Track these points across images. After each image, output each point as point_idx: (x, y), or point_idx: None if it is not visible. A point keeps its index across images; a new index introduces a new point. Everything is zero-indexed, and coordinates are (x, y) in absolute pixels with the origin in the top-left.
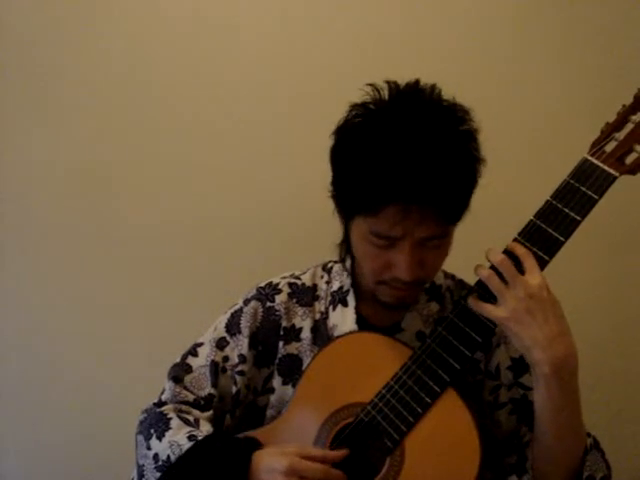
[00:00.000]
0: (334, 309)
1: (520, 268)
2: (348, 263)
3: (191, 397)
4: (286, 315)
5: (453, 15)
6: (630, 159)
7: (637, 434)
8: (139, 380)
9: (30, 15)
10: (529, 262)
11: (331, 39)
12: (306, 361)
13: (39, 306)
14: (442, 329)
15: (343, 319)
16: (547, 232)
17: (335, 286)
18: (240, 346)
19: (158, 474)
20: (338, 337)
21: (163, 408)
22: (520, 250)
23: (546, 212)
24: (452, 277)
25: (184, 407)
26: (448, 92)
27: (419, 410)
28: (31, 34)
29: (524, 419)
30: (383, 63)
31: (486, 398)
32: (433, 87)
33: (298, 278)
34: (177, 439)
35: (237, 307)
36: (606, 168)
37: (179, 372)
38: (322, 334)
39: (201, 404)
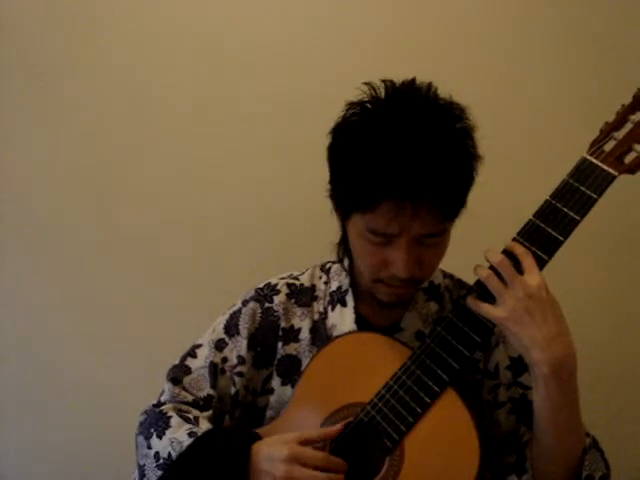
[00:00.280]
0: (333, 309)
1: (519, 268)
2: (346, 263)
3: (190, 398)
4: (285, 316)
5: (452, 15)
6: (629, 158)
7: (637, 434)
8: (139, 380)
9: (30, 15)
10: (528, 262)
11: (331, 39)
12: (305, 361)
13: (39, 306)
14: (441, 329)
15: (342, 319)
16: (546, 232)
17: (334, 286)
18: (239, 347)
19: (159, 472)
20: (337, 337)
21: (162, 408)
22: (519, 250)
23: (545, 211)
24: (451, 277)
25: (183, 407)
26: (447, 92)
27: (418, 410)
28: (31, 34)
29: (523, 418)
30: (383, 63)
31: (485, 397)
32: (429, 85)
33: (296, 279)
34: (177, 436)
35: (235, 308)
36: (605, 167)
37: (178, 373)
38: (321, 334)
39: (200, 404)
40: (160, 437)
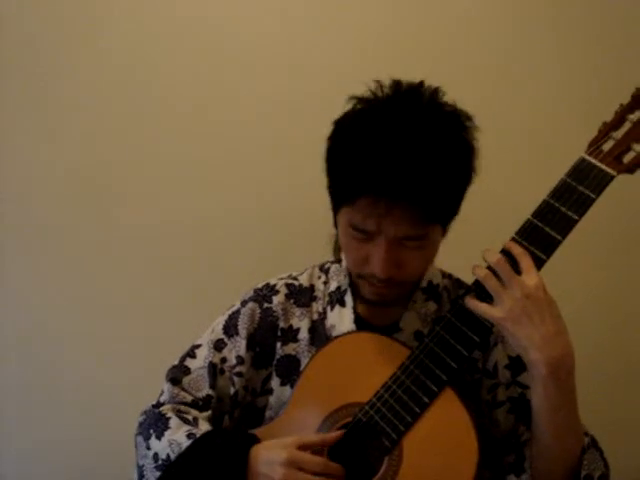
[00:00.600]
0: (332, 309)
1: (517, 268)
2: (346, 263)
3: (189, 398)
4: (283, 316)
5: (452, 15)
6: (628, 158)
7: (637, 434)
8: (139, 380)
9: (30, 15)
10: (526, 262)
11: (331, 39)
12: (304, 362)
13: (39, 306)
14: (440, 329)
15: (341, 319)
16: (544, 231)
17: (332, 286)
18: (238, 347)
19: (158, 473)
20: (336, 337)
21: (161, 408)
22: (517, 250)
23: (543, 211)
24: (449, 276)
25: (183, 407)
26: (447, 91)
27: (417, 410)
28: (31, 34)
29: (522, 418)
30: (383, 63)
31: (484, 397)
32: (436, 90)
33: (295, 279)
34: (176, 437)
35: (234, 308)
36: (604, 167)
37: (177, 374)
38: (320, 334)
39: (199, 405)
40: (159, 438)
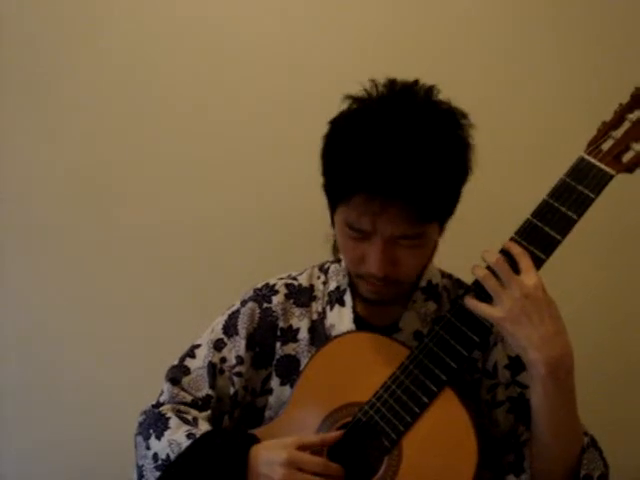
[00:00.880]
0: (331, 309)
1: (516, 268)
2: (344, 263)
3: (189, 398)
4: (283, 316)
5: (452, 15)
6: (627, 157)
7: (637, 434)
8: (139, 380)
9: (30, 15)
10: (525, 262)
11: (331, 39)
12: (304, 361)
13: (39, 306)
14: (439, 328)
15: (340, 319)
16: (544, 231)
17: (332, 286)
18: (237, 347)
19: (157, 473)
20: (335, 337)
21: (161, 408)
22: (516, 250)
23: (543, 211)
24: (449, 276)
25: (182, 407)
26: (447, 91)
27: (417, 410)
28: (31, 34)
29: (522, 418)
30: (383, 63)
31: (484, 397)
32: (430, 88)
33: (295, 279)
34: (176, 438)
35: (234, 308)
36: (603, 167)
37: (177, 374)
38: (320, 334)
39: (199, 405)
40: (159, 438)
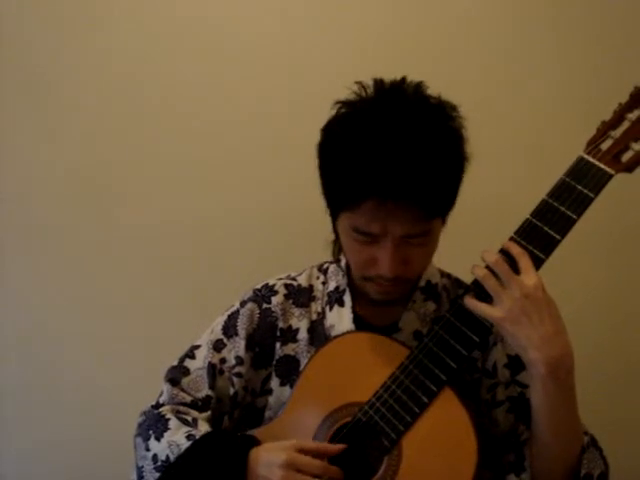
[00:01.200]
0: (331, 309)
1: (516, 267)
2: (343, 263)
3: (188, 399)
4: (282, 316)
5: (452, 15)
6: (626, 157)
7: (637, 434)
8: (139, 380)
9: (30, 15)
10: (524, 262)
11: (331, 39)
12: (303, 362)
13: (39, 306)
14: (439, 328)
15: (340, 319)
16: (543, 231)
17: (331, 286)
18: (237, 348)
19: (157, 474)
20: (335, 337)
21: (161, 409)
22: (515, 249)
23: (542, 211)
24: (448, 276)
25: (182, 408)
26: (447, 91)
27: (416, 409)
28: (31, 34)
29: (522, 417)
30: (383, 63)
31: (483, 396)
32: (418, 84)
33: (294, 279)
34: (176, 439)
35: (233, 309)
36: (602, 166)
37: (176, 374)
38: (319, 334)
39: (199, 405)
40: (158, 439)
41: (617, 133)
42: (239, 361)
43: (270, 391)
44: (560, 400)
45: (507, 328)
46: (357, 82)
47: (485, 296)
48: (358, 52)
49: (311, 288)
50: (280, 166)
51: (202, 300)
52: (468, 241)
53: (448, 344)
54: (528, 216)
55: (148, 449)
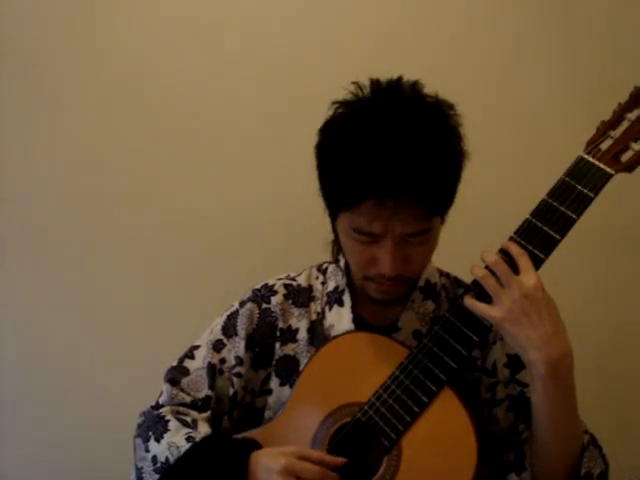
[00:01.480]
0: (330, 309)
1: (516, 267)
2: (342, 263)
3: (188, 399)
4: (282, 316)
5: (453, 15)
6: (626, 157)
7: (637, 434)
8: (139, 380)
9: (30, 15)
10: (524, 262)
11: (331, 39)
12: (303, 362)
13: (39, 306)
14: (438, 328)
15: (339, 319)
16: (543, 230)
17: (331, 286)
18: (237, 348)
19: (157, 476)
20: (335, 337)
21: (161, 410)
22: (515, 249)
23: (542, 210)
24: (447, 275)
25: (182, 409)
26: (446, 91)
27: (416, 409)
28: (31, 34)
29: (522, 416)
30: (383, 63)
31: (483, 395)
32: (415, 83)
33: (293, 279)
34: (175, 441)
35: (233, 309)
36: (602, 166)
37: (176, 375)
38: (319, 334)
39: (198, 405)
40: (158, 441)
41: (617, 133)
42: (239, 361)
43: (270, 391)
44: (560, 400)
45: (507, 328)
46: (354, 82)
47: (485, 296)
48: (358, 52)
49: (310, 288)
50: (280, 166)
51: (202, 300)
52: (468, 241)
53: (448, 344)
54: (528, 216)
55: (148, 450)
